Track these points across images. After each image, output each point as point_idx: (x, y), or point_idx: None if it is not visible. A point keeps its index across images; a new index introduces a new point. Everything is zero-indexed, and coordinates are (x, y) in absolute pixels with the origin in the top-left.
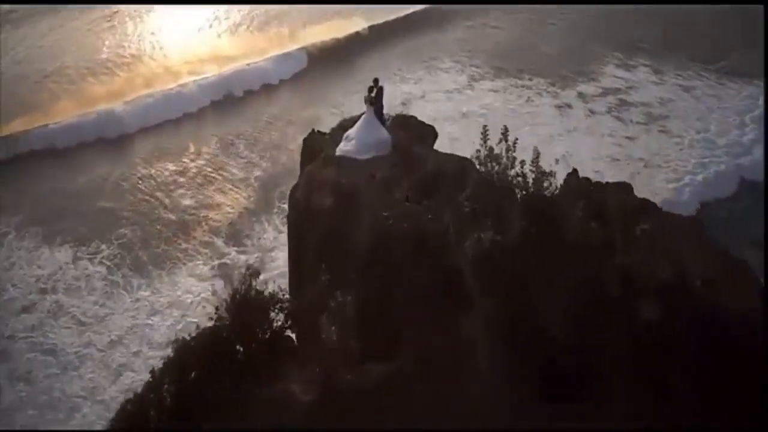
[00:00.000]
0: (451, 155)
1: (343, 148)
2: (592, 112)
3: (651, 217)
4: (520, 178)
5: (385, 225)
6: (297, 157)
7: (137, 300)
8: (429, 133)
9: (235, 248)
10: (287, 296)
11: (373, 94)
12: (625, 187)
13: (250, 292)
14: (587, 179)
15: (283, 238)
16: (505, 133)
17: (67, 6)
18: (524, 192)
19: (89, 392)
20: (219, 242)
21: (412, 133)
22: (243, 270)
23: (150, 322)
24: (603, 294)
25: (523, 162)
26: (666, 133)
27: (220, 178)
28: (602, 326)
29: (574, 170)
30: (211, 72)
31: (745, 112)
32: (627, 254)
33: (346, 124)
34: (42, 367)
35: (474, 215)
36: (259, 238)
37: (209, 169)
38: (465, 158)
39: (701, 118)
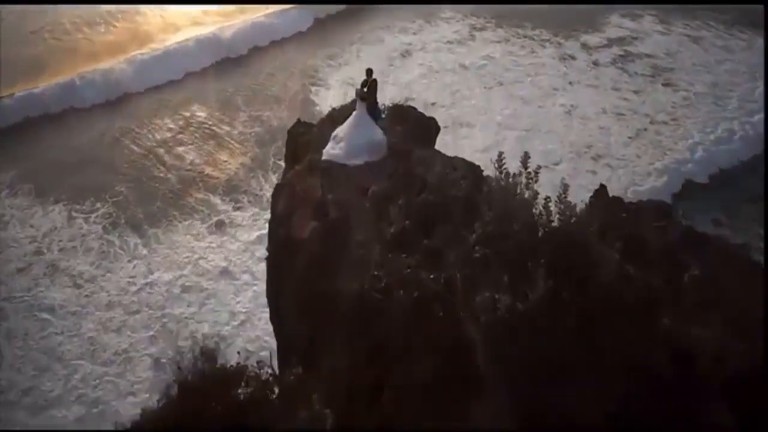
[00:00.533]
0: (458, 160)
1: (330, 151)
2: (596, 63)
3: (699, 253)
4: (543, 214)
5: (376, 287)
6: (294, 112)
7: (134, 259)
8: (430, 127)
9: (232, 204)
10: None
11: (365, 89)
12: (663, 209)
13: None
14: (618, 200)
15: None
16: (525, 160)
17: None
18: (546, 228)
19: (89, 353)
20: (216, 199)
21: (412, 128)
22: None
23: (147, 281)
24: (654, 381)
25: (547, 199)
26: (672, 86)
27: (218, 134)
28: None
29: (602, 187)
30: (215, 25)
31: (756, 65)
32: (676, 316)
33: (335, 115)
34: (40, 328)
35: (486, 265)
36: (256, 195)
37: (207, 126)
38: (476, 166)
39: (710, 70)
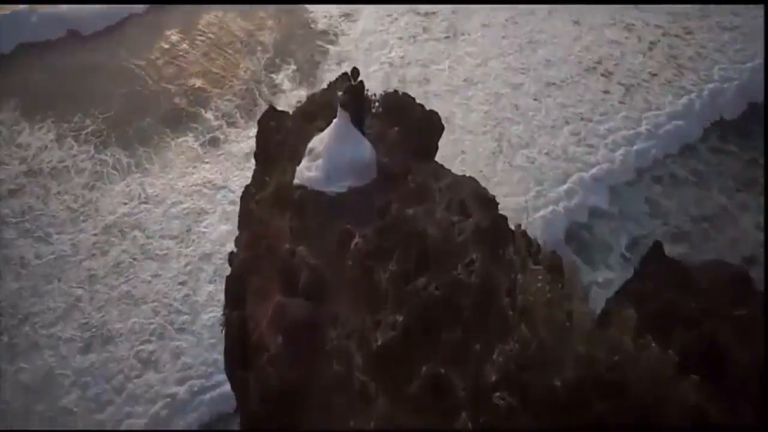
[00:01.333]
0: (468, 190)
1: (306, 173)
2: None
3: None
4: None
5: None
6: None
7: (128, 180)
8: (432, 127)
9: (225, 120)
10: None
11: (347, 93)
12: (740, 278)
13: None
14: (677, 266)
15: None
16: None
17: None
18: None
19: (87, 280)
20: (208, 115)
21: (409, 130)
22: None
23: (142, 207)
24: None
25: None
26: None
27: (208, 44)
28: None
29: (658, 245)
30: None
31: None
32: None
33: (312, 109)
34: (36, 254)
35: (512, 417)
36: (249, 110)
37: (200, 38)
38: (492, 203)
39: None
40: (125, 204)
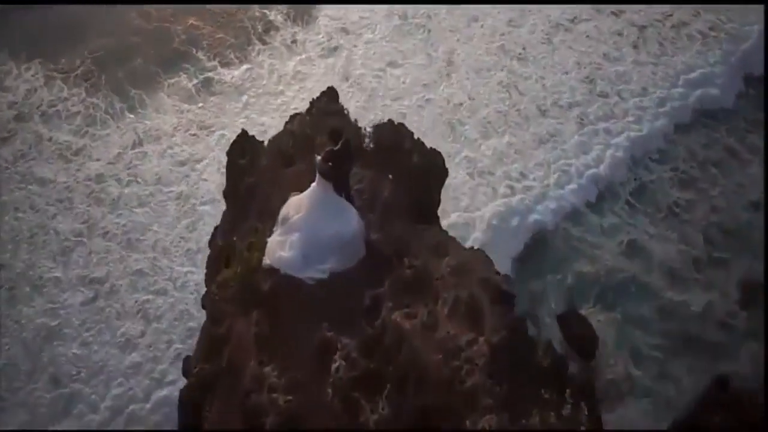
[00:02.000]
0: (483, 273)
1: (278, 252)
2: None
3: None
4: None
5: None
6: None
7: (121, 126)
8: (434, 174)
9: (219, 60)
10: None
11: (329, 160)
12: None
13: None
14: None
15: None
16: None
17: None
18: None
19: (87, 226)
20: (200, 54)
21: (407, 180)
22: None
23: (136, 152)
24: None
25: None
26: None
27: None
28: None
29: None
30: None
31: None
32: None
33: (288, 148)
34: (32, 202)
35: None
36: (244, 49)
37: None
38: (505, 295)
39: None
40: (119, 151)
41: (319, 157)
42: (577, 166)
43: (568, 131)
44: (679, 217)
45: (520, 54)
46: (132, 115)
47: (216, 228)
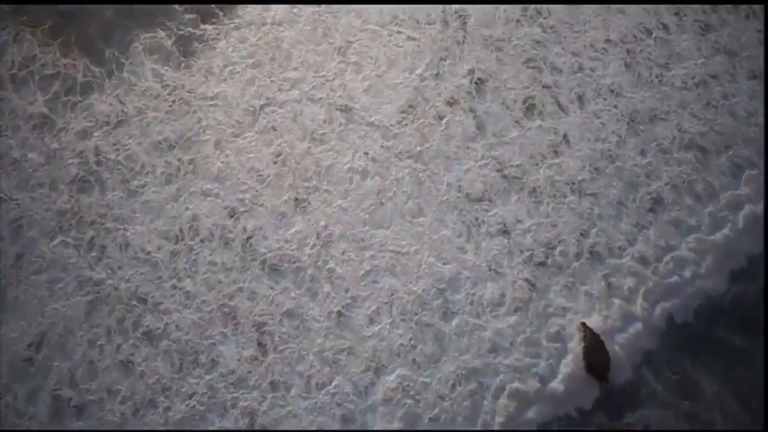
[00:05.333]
0: None
1: None
2: None
3: None
4: None
5: None
6: None
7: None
8: None
9: (198, 14)
10: None
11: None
12: None
13: None
14: None
15: None
16: None
17: None
18: None
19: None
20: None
21: None
22: None
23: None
24: None
25: None
26: None
27: None
28: None
29: None
30: None
31: None
32: None
33: None
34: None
35: None
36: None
37: None
38: None
39: None
40: (101, 125)
41: None
42: None
43: None
44: None
45: None
46: (110, 81)
47: None
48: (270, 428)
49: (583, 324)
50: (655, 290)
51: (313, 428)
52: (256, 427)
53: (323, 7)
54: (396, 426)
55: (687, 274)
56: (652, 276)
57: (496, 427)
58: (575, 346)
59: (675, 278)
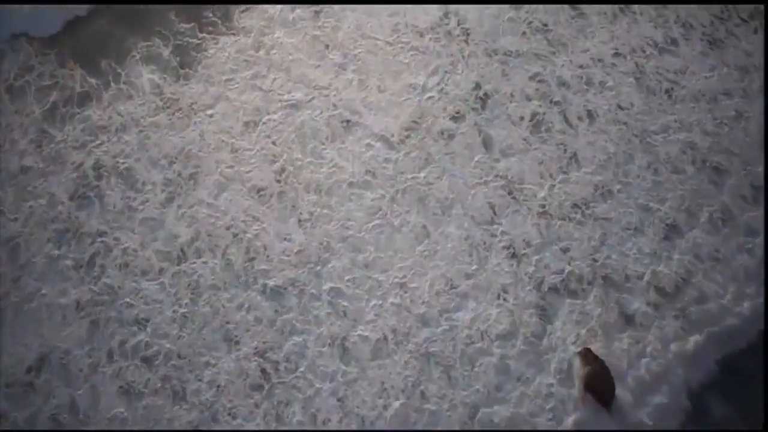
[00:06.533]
0: None
1: None
2: None
3: None
4: None
5: None
6: None
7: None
8: None
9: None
10: None
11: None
12: None
13: None
14: None
15: None
16: None
17: None
18: None
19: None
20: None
21: None
22: None
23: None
24: None
25: None
26: None
27: None
28: None
29: None
30: None
31: None
32: None
33: None
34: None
35: None
36: (227, 8)
37: None
38: None
39: None
40: (100, 138)
41: None
42: None
43: None
44: None
45: None
46: (107, 92)
47: None
48: None
49: (587, 349)
50: (674, 323)
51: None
52: None
53: (323, 16)
54: None
55: (707, 305)
56: (669, 307)
57: None
58: (576, 371)
59: (693, 309)
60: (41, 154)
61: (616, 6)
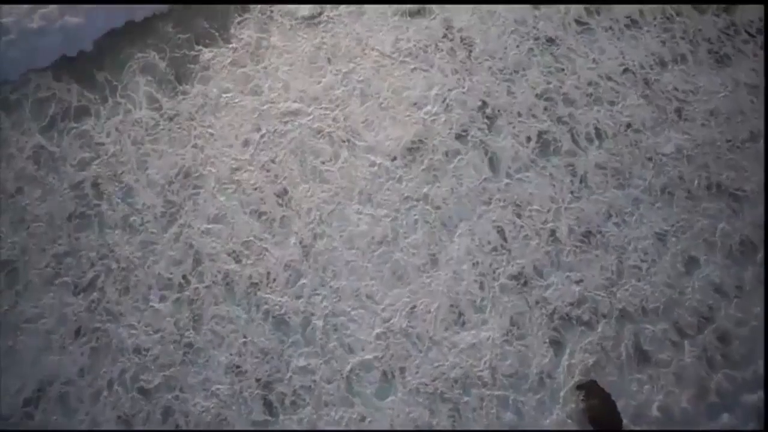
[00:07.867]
0: None
1: None
2: None
3: None
4: None
5: None
6: None
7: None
8: None
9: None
10: None
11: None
12: None
13: None
14: None
15: None
16: None
17: None
18: None
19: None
20: (169, 28)
21: None
22: None
23: (117, 165)
24: None
25: None
26: None
27: None
28: None
29: None
30: None
31: None
32: None
33: None
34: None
35: None
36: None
37: None
38: None
39: None
40: (99, 156)
41: None
42: None
43: None
44: None
45: None
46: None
47: None
48: None
49: (594, 381)
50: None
51: None
52: None
53: (323, 33)
54: None
55: (727, 346)
56: (690, 350)
57: None
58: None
59: (714, 352)
60: (38, 172)
61: (622, 21)
